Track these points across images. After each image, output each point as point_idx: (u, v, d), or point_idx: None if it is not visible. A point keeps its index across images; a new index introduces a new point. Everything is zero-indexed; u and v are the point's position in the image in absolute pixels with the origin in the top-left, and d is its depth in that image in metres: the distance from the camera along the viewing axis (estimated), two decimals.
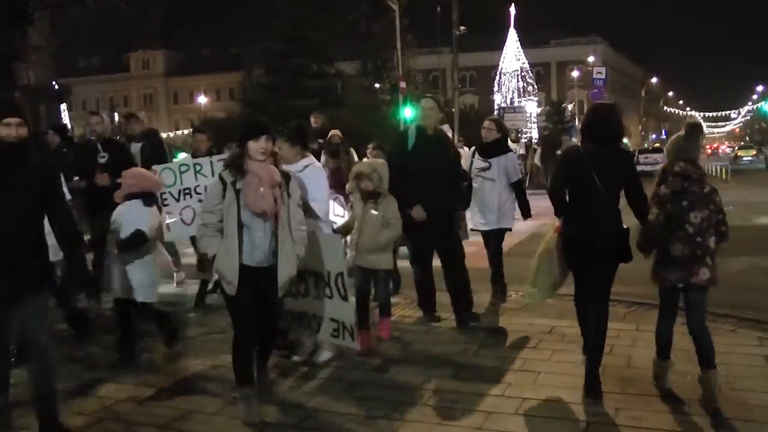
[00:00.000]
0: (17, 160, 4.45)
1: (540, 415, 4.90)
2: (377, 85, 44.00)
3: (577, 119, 64.05)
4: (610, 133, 5.23)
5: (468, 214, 8.40)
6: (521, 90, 52.78)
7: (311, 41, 40.06)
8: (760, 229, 14.53)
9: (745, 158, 49.36)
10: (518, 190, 8.31)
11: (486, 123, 8.42)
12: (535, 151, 25.57)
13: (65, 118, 22.00)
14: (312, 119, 13.84)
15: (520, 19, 52.30)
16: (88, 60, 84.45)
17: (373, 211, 6.52)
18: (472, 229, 8.47)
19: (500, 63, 54.72)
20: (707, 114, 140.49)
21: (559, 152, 36.79)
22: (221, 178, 4.94)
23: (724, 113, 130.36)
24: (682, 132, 5.25)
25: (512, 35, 51.80)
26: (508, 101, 51.47)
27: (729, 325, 6.89)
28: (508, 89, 53.47)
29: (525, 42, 55.98)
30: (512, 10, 51.57)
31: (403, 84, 33.49)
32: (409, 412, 5.00)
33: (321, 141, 11.56)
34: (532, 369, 5.81)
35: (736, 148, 65.37)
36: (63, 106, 22.29)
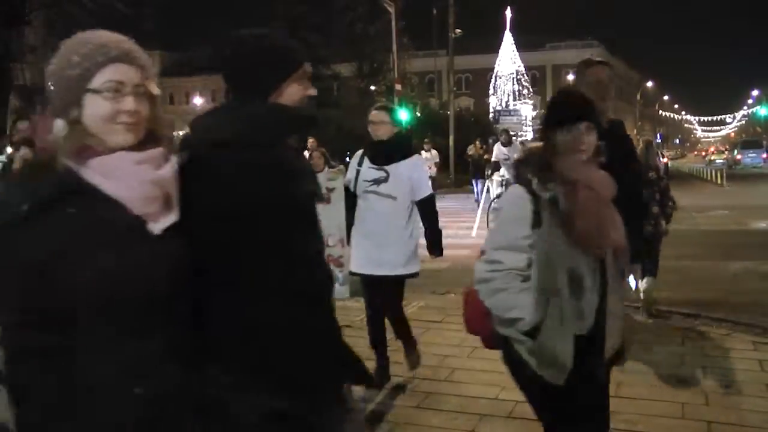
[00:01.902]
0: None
1: (533, 419, 4.86)
2: (373, 88, 44.08)
3: None
4: (613, 133, 7.51)
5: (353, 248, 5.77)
6: (517, 93, 52.95)
7: (307, 43, 40.14)
8: (755, 233, 14.55)
9: (717, 161, 56.86)
10: (426, 210, 5.58)
11: (373, 113, 5.52)
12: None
13: None
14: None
15: (516, 22, 52.49)
16: None
17: None
18: (351, 272, 5.87)
19: (496, 66, 54.88)
20: (702, 118, 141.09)
21: None
22: (531, 192, 2.92)
23: (719, 117, 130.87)
24: (641, 145, 7.68)
25: (508, 38, 52.00)
26: (504, 104, 51.63)
27: (724, 329, 6.89)
28: (504, 92, 53.64)
29: (521, 45, 56.14)
30: (508, 13, 51.76)
31: (398, 86, 33.57)
32: (402, 414, 4.99)
33: None
34: None
35: (710, 152, 75.21)
36: None
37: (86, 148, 1.86)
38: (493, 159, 15.50)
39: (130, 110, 1.89)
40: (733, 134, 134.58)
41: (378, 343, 5.67)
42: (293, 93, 2.32)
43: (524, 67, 55.71)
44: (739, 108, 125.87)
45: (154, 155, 1.95)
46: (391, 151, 5.45)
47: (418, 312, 7.83)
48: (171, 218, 1.96)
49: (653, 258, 7.57)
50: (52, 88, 1.89)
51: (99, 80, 1.86)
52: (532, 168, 2.95)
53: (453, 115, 37.02)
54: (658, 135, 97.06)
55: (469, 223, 17.39)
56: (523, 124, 47.89)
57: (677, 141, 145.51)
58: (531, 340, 2.89)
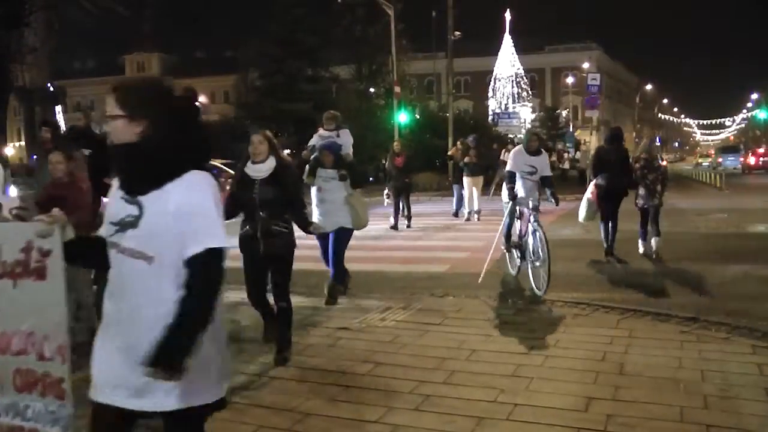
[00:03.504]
0: None
1: (532, 421, 4.88)
2: (372, 90, 44.08)
3: (571, 125, 64.27)
4: (616, 139, 11.82)
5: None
6: (516, 95, 53.08)
7: (306, 45, 40.25)
8: (753, 237, 14.54)
9: (704, 164, 63.70)
10: (194, 276, 2.71)
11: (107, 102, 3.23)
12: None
13: (61, 120, 21.93)
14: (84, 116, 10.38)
15: (515, 25, 52.56)
16: (83, 62, 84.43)
17: None
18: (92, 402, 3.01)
19: (495, 68, 54.91)
20: (701, 122, 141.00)
21: (553, 158, 37.06)
22: None
23: (718, 121, 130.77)
24: (645, 141, 11.46)
25: (507, 41, 52.09)
26: (503, 107, 51.73)
27: (722, 332, 6.87)
28: (503, 95, 53.76)
29: (520, 47, 56.26)
30: (508, 15, 51.84)
31: (397, 89, 33.57)
32: (401, 416, 4.98)
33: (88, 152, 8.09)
34: (525, 375, 5.80)
35: (698, 156, 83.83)
36: (58, 108, 22.26)
37: None
38: (508, 169, 10.58)
39: None
40: (732, 137, 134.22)
41: None
42: None
43: (523, 69, 55.82)
44: (739, 111, 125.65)
45: None
46: (141, 165, 2.77)
47: (417, 314, 7.84)
48: None
49: (658, 223, 11.46)
50: None
51: None
52: None
53: (452, 118, 37.01)
54: (657, 138, 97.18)
55: (466, 225, 17.40)
56: (522, 127, 47.92)
57: (676, 144, 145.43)
58: None
